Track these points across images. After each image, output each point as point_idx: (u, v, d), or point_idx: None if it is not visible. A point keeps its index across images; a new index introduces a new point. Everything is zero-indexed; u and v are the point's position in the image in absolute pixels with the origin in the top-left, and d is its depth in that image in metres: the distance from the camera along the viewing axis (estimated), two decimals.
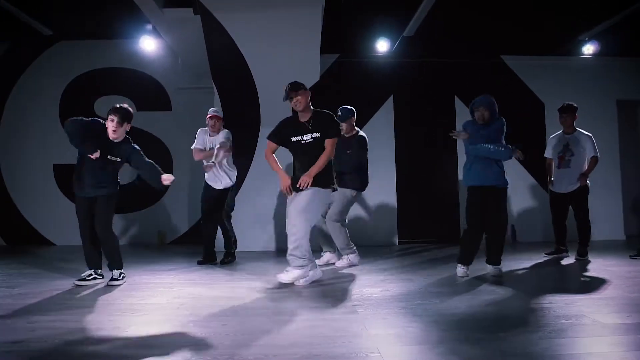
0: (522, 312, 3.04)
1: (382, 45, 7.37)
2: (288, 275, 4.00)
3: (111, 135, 4.04)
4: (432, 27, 6.74)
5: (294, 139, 4.11)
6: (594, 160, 5.46)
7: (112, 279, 4.16)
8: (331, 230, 5.08)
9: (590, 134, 5.52)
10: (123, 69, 8.07)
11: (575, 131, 5.56)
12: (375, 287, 3.95)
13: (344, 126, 5.10)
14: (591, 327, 2.62)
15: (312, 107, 4.20)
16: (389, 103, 7.72)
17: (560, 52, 7.85)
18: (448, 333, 2.57)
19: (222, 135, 5.39)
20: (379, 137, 7.32)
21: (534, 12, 6.72)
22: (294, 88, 4.11)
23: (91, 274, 4.18)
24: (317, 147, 4.06)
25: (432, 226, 7.60)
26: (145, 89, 8.02)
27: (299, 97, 4.07)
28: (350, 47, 7.55)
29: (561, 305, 3.12)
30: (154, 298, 3.63)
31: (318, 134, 4.05)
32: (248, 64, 6.37)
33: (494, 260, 4.38)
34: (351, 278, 4.43)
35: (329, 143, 4.06)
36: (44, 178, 7.94)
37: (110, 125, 4.02)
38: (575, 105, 5.56)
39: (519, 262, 5.15)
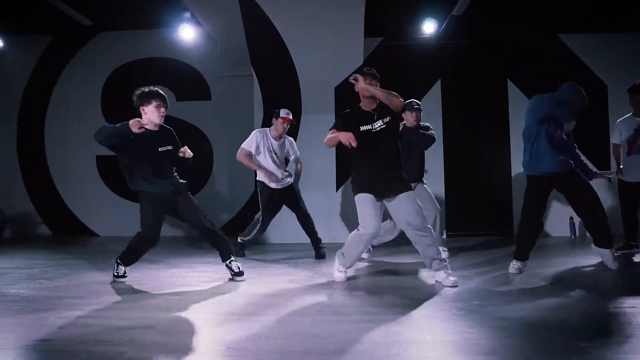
0: (601, 318, 2.65)
1: (429, 27, 6.92)
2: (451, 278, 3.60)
3: (159, 120, 3.73)
4: (484, 5, 6.26)
5: (363, 128, 3.64)
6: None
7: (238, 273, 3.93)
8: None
9: None
10: (162, 59, 7.99)
11: None
12: (427, 285, 3.62)
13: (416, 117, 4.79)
14: None
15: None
16: (436, 88, 7.26)
17: (626, 28, 7.16)
18: (515, 341, 2.23)
19: (293, 148, 5.22)
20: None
21: None
22: (374, 73, 3.72)
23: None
24: (390, 133, 3.63)
25: (483, 218, 7.14)
26: (184, 79, 7.90)
27: (373, 83, 3.65)
28: (394, 29, 7.15)
29: None
30: (190, 294, 3.44)
31: (388, 117, 3.61)
32: (288, 48, 6.10)
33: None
34: (399, 274, 4.11)
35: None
36: (87, 169, 7.99)
37: (158, 111, 3.71)
38: None
39: (582, 259, 4.66)
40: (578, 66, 7.30)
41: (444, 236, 6.42)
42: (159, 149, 3.74)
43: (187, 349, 2.21)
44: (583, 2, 6.52)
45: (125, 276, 3.95)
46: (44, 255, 5.47)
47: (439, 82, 7.26)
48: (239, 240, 5.27)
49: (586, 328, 2.48)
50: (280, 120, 5.03)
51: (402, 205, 3.57)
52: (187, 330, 2.52)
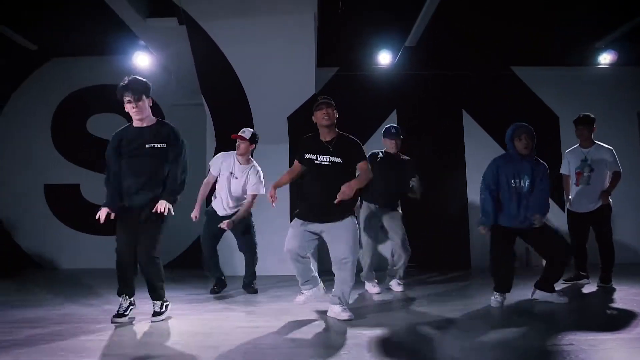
0: (532, 354, 2.55)
1: (384, 57, 7.01)
2: (348, 312, 3.53)
3: (135, 115, 3.40)
4: (436, 37, 6.37)
5: (307, 156, 3.60)
6: (617, 176, 4.95)
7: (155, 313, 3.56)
8: (404, 257, 4.79)
9: (611, 147, 5.04)
10: (116, 86, 7.79)
11: (593, 144, 5.07)
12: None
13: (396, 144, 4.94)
14: None
15: (337, 130, 3.70)
16: (392, 118, 7.30)
17: (575, 63, 7.42)
18: None
19: (255, 178, 4.72)
20: None
21: (545, 20, 6.31)
22: (329, 100, 3.66)
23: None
24: (335, 171, 3.54)
25: (439, 251, 7.04)
26: None
27: (329, 111, 3.58)
28: (350, 60, 7.22)
29: (585, 347, 2.61)
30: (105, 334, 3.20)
31: (339, 160, 3.55)
32: (239, 76, 6.02)
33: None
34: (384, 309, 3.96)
35: (363, 166, 3.61)
36: (34, 198, 7.64)
37: (129, 107, 3.38)
38: (592, 116, 5.09)
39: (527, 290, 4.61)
40: (530, 97, 7.48)
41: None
42: (146, 145, 3.40)
43: None
44: (535, 36, 6.69)
45: (122, 315, 3.45)
46: None
47: (394, 112, 7.30)
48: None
49: None
50: (239, 141, 4.77)
51: (333, 234, 3.53)
52: None
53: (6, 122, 7.80)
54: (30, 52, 7.42)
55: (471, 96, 7.42)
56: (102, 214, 3.38)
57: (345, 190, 3.37)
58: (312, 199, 3.60)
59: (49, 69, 7.85)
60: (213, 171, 4.84)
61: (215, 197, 4.90)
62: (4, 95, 7.82)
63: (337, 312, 3.51)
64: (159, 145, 3.42)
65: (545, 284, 4.10)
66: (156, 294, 3.57)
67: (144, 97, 3.41)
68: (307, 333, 3.16)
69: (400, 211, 4.92)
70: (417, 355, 2.62)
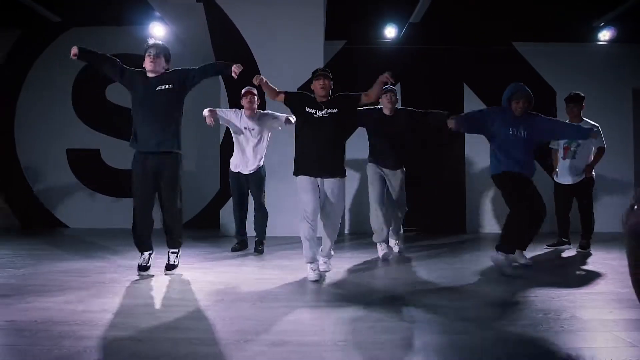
0: (504, 306, 3.04)
1: (390, 32, 7.31)
2: (328, 265, 4.12)
3: (149, 66, 3.80)
4: (439, 13, 6.65)
5: (308, 109, 3.98)
6: (601, 151, 5.35)
7: (171, 266, 4.04)
8: (398, 212, 5.08)
9: (597, 124, 5.39)
10: (133, 55, 8.10)
11: (581, 121, 5.43)
12: (377, 281, 3.98)
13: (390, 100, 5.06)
14: (567, 322, 2.61)
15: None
16: (397, 90, 7.60)
17: (575, 39, 7.66)
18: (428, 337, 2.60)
19: (271, 115, 5.19)
20: None
21: None
22: (328, 73, 4.05)
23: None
24: (332, 122, 3.92)
25: (438, 218, 7.54)
26: None
27: (326, 82, 3.97)
28: (357, 33, 7.49)
29: (545, 299, 3.10)
30: (146, 281, 3.73)
31: (335, 110, 3.94)
32: (252, 50, 6.38)
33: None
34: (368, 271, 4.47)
35: (363, 97, 4.03)
36: (58, 162, 8.15)
37: (147, 59, 3.81)
38: (582, 94, 5.44)
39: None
40: (529, 73, 7.75)
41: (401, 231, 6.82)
42: (156, 88, 3.76)
43: (134, 328, 2.51)
44: (536, 12, 6.93)
45: (144, 267, 3.90)
46: (13, 246, 5.67)
47: (399, 85, 7.63)
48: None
49: (486, 313, 2.87)
50: (243, 98, 5.18)
51: (327, 188, 3.91)
52: (136, 313, 2.82)
53: (29, 90, 8.20)
54: (49, 23, 7.77)
55: (472, 70, 7.71)
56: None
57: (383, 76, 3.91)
58: (312, 154, 3.94)
59: (69, 38, 8.16)
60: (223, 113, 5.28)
61: (234, 159, 5.28)
62: (27, 64, 8.20)
63: (320, 263, 4.03)
64: (166, 87, 3.79)
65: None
66: (176, 243, 4.05)
67: (162, 56, 3.86)
68: (313, 283, 3.68)
69: (402, 169, 5.06)
70: (398, 305, 3.11)
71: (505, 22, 7.16)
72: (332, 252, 4.18)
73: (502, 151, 4.26)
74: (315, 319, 2.74)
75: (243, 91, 5.24)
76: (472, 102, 7.71)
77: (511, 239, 4.06)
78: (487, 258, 4.61)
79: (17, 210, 8.21)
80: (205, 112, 4.93)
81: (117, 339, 2.36)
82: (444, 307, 2.95)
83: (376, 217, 4.86)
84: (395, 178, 5.00)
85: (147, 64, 3.82)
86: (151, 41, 3.91)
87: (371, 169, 5.02)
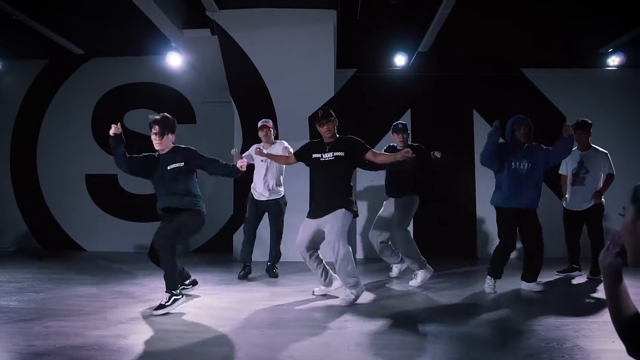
0: (508, 333, 3.09)
1: (400, 60, 7.48)
2: (348, 298, 3.98)
3: (157, 146, 3.91)
4: (448, 42, 6.81)
5: (314, 155, 4.20)
6: (610, 178, 5.39)
7: (160, 305, 3.64)
8: (401, 241, 4.99)
9: (606, 151, 5.44)
10: (150, 84, 8.46)
11: (590, 148, 5.49)
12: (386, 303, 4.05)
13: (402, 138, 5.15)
14: (568, 351, 2.65)
15: (336, 135, 4.27)
16: (407, 117, 7.77)
17: (583, 65, 7.74)
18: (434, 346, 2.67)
19: (281, 145, 5.39)
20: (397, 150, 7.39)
21: (554, 23, 6.68)
22: (325, 116, 4.17)
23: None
24: (337, 164, 4.08)
25: (448, 245, 7.55)
26: (171, 103, 8.32)
27: (329, 126, 4.15)
28: (367, 61, 7.69)
29: (550, 327, 3.14)
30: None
31: (341, 153, 4.11)
32: (264, 79, 6.62)
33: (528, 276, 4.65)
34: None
35: (370, 154, 4.14)
36: (76, 187, 8.40)
37: (153, 137, 3.89)
38: (589, 121, 5.49)
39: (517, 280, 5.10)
40: (539, 99, 7.83)
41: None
42: (167, 167, 3.88)
43: (146, 354, 2.62)
44: (544, 39, 7.05)
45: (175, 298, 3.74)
46: (33, 270, 5.84)
47: (409, 112, 7.78)
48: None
49: (490, 342, 2.92)
50: (259, 131, 5.45)
51: (327, 222, 4.02)
52: (149, 339, 2.93)
53: (51, 117, 8.54)
54: (73, 55, 8.13)
55: (482, 97, 7.82)
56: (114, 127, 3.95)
57: (402, 154, 4.01)
58: (318, 196, 4.20)
59: (89, 68, 8.52)
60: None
61: (253, 186, 5.52)
62: (50, 92, 8.55)
63: (341, 295, 4.06)
64: (177, 165, 3.89)
65: (526, 276, 4.66)
66: (167, 283, 3.74)
67: (168, 133, 3.93)
68: (324, 309, 3.76)
69: (410, 197, 5.06)
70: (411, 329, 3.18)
71: (514, 49, 7.29)
72: (349, 284, 4.00)
73: (504, 185, 4.54)
74: (323, 345, 2.82)
75: (259, 124, 5.49)
76: (481, 128, 7.78)
77: (493, 266, 4.61)
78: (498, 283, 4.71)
79: (36, 233, 8.44)
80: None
81: None
82: (446, 333, 3.01)
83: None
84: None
85: (155, 144, 3.92)
86: (152, 117, 3.94)
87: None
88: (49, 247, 8.30)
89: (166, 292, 3.70)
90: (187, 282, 4.28)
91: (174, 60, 7.81)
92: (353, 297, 3.97)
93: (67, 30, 7.21)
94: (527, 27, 6.69)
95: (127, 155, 3.98)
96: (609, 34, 7.10)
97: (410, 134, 5.42)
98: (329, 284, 4.30)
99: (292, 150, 5.34)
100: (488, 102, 7.84)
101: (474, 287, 4.83)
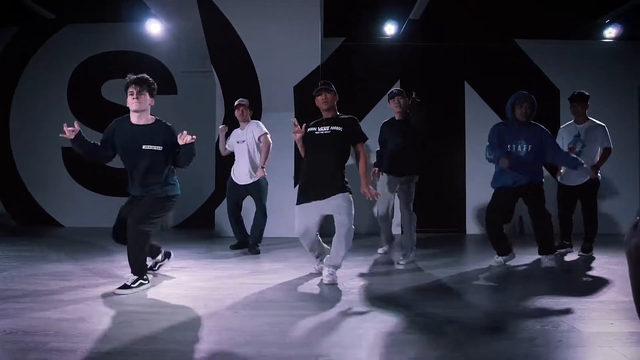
0: (500, 316, 2.89)
1: (390, 29, 7.17)
2: (333, 277, 3.74)
3: (133, 106, 3.43)
4: (440, 10, 6.50)
5: (309, 129, 3.89)
6: (607, 152, 5.17)
7: (124, 285, 3.41)
8: (411, 222, 4.68)
9: (603, 124, 5.23)
10: (129, 52, 8.07)
11: (587, 121, 5.26)
12: (369, 287, 3.84)
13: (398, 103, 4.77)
14: (565, 334, 2.46)
15: (337, 112, 4.00)
16: (396, 88, 7.46)
17: (579, 36, 7.49)
18: (418, 336, 2.46)
19: (258, 127, 5.25)
20: None
21: None
22: (324, 85, 3.91)
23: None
24: (333, 139, 3.79)
25: (438, 216, 7.40)
26: (151, 72, 7.89)
27: (328, 96, 3.87)
28: (356, 30, 7.36)
29: (545, 308, 2.95)
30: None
31: (339, 128, 3.81)
32: (247, 47, 6.24)
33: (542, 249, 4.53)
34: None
35: (360, 148, 3.87)
36: (53, 161, 8.05)
37: (129, 99, 3.44)
38: (586, 93, 5.26)
39: (521, 257, 4.93)
40: (532, 70, 7.58)
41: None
42: (143, 147, 3.45)
43: (110, 339, 2.38)
44: (539, 9, 6.76)
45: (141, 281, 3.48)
46: (3, 247, 5.57)
47: (398, 83, 7.47)
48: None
49: (481, 325, 2.72)
50: (235, 110, 5.30)
51: (331, 205, 3.78)
52: (113, 322, 2.69)
53: (24, 88, 8.13)
54: (44, 20, 7.67)
55: (473, 68, 7.55)
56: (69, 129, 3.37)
57: (366, 192, 3.80)
58: (311, 173, 3.84)
59: (65, 35, 8.09)
60: (229, 147, 5.45)
61: (233, 169, 5.36)
62: (22, 62, 8.12)
63: (324, 274, 3.78)
64: (155, 148, 3.47)
65: (541, 249, 4.53)
66: (133, 268, 3.49)
67: (146, 93, 3.49)
68: (304, 289, 3.54)
69: (415, 176, 4.76)
70: (402, 308, 2.97)
71: (508, 18, 7.00)
72: (339, 264, 3.82)
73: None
74: (299, 329, 2.60)
75: (235, 103, 5.34)
76: (473, 101, 7.56)
77: (492, 244, 4.59)
78: (488, 260, 4.62)
79: (12, 209, 8.13)
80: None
81: (88, 351, 2.23)
82: (439, 316, 2.80)
83: None
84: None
85: (132, 105, 3.47)
86: (129, 76, 3.51)
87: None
88: (26, 223, 8.00)
89: (133, 273, 3.47)
90: (159, 257, 4.05)
91: (154, 27, 7.44)
92: (336, 276, 3.76)
93: None
94: None
95: (98, 145, 3.52)
96: (607, 4, 6.83)
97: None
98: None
99: (265, 130, 5.27)
100: (480, 74, 7.57)
101: (465, 266, 4.65)
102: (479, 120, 7.28)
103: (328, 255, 3.90)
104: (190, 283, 3.78)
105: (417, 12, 6.52)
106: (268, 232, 5.52)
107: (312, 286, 3.67)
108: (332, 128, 3.83)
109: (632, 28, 7.16)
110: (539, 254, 4.54)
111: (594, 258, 4.97)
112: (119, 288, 3.38)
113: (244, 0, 5.94)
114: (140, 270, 3.48)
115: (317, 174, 3.82)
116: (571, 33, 7.39)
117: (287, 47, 6.19)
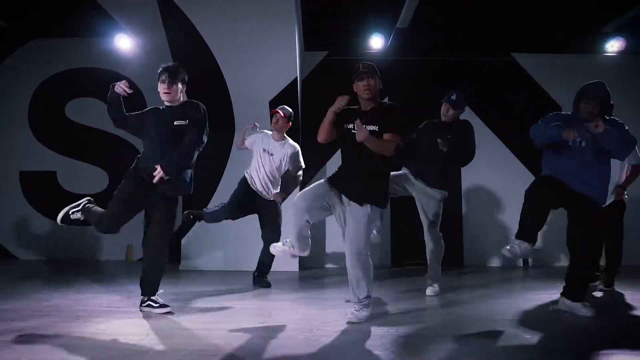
0: None
1: (376, 42, 6.70)
2: (358, 314, 3.18)
3: (164, 97, 3.48)
4: (429, 17, 6.02)
5: (346, 125, 3.25)
6: (636, 170, 4.48)
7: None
8: (436, 247, 4.25)
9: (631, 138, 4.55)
10: (97, 69, 7.48)
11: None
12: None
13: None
14: None
15: (379, 100, 3.37)
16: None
17: (580, 50, 7.03)
18: None
19: (293, 154, 4.77)
20: None
21: (548, 4, 5.94)
22: (367, 68, 3.27)
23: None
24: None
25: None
26: None
27: (371, 82, 3.24)
28: (339, 43, 6.87)
29: None
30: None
31: (375, 127, 3.15)
32: (217, 59, 5.74)
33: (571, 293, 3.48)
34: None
35: (388, 137, 3.17)
36: (9, 186, 7.34)
37: (161, 87, 3.48)
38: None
39: (533, 293, 4.21)
40: (531, 86, 7.12)
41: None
42: (174, 122, 3.44)
43: None
44: (538, 20, 6.34)
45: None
46: None
47: (386, 99, 6.87)
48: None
49: None
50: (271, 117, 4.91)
51: (349, 211, 3.17)
52: None
53: None
54: (6, 32, 7.12)
55: (468, 84, 6.99)
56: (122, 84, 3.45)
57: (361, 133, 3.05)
58: (343, 169, 3.31)
59: (28, 50, 7.52)
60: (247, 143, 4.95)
61: (250, 174, 4.84)
62: None
63: (348, 312, 3.22)
64: (182, 123, 3.45)
65: (568, 290, 3.51)
66: (147, 289, 3.52)
67: (178, 82, 3.50)
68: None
69: (442, 191, 4.29)
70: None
71: (504, 30, 6.53)
72: (361, 296, 3.20)
73: (556, 159, 3.53)
74: None
75: (273, 110, 4.93)
76: (468, 118, 6.95)
77: (520, 223, 3.47)
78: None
79: None
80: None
81: None
82: None
83: None
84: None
85: (163, 94, 3.50)
86: (164, 65, 3.56)
87: None
88: None
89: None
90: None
91: (123, 43, 6.93)
92: (365, 313, 3.18)
93: None
94: (520, 4, 5.90)
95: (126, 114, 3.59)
96: (608, 13, 6.36)
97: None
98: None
99: (303, 164, 4.75)
100: (475, 90, 7.01)
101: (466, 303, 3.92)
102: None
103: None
104: (129, 330, 3.03)
105: (405, 20, 6.00)
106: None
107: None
108: (369, 127, 3.13)
109: (635, 41, 6.69)
110: (566, 296, 3.48)
111: (620, 293, 4.22)
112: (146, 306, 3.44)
113: (214, 8, 5.42)
114: (152, 290, 3.50)
115: (349, 170, 3.27)
116: (572, 47, 6.97)
117: (261, 60, 5.73)
